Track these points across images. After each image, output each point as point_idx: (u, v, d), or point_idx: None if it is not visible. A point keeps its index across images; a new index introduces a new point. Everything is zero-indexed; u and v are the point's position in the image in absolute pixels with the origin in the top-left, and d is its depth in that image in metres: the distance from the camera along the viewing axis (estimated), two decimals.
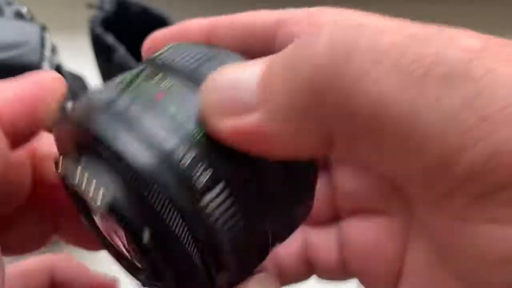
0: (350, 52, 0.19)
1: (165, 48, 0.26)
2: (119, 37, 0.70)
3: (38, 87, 0.27)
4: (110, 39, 0.69)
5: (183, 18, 0.33)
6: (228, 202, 0.22)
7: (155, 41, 0.30)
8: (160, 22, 0.73)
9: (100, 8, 0.72)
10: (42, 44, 0.63)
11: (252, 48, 0.28)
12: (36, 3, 0.76)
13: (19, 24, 0.65)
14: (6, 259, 0.24)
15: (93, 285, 0.38)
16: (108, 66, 0.70)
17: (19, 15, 0.67)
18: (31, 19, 0.70)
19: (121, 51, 0.67)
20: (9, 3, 0.67)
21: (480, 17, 0.96)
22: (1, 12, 0.66)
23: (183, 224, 0.21)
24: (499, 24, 0.96)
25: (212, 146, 0.22)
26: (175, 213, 0.20)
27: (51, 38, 0.66)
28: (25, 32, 0.62)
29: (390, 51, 0.19)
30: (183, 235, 0.21)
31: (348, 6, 0.27)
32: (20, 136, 0.26)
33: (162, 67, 0.24)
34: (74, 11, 0.80)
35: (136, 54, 0.64)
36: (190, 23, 0.30)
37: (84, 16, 0.73)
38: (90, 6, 0.73)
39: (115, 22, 0.72)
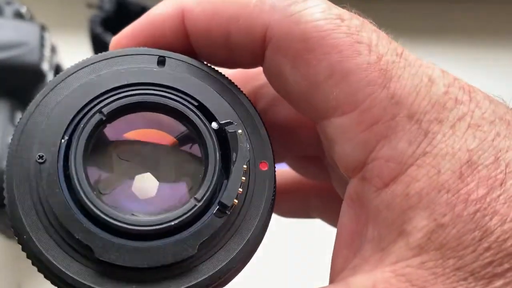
0: None
1: None
2: None
3: None
4: (110, 38, 0.69)
5: None
6: None
7: (122, 42, 0.30)
8: None
9: (100, 8, 0.72)
10: (42, 44, 0.63)
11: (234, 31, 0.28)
12: (36, 3, 0.76)
13: (19, 24, 0.65)
14: None
15: None
16: None
17: (18, 15, 0.67)
18: (31, 18, 0.70)
19: None
20: (8, 3, 0.67)
21: (480, 17, 0.95)
22: (1, 11, 0.66)
23: None
24: (498, 24, 0.96)
25: None
26: None
27: (51, 38, 0.66)
28: (25, 32, 0.62)
29: None
30: None
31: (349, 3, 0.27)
32: None
33: None
34: (74, 11, 0.80)
35: None
36: (154, 16, 0.29)
37: (84, 16, 0.73)
38: (90, 6, 0.73)
39: (115, 22, 0.72)
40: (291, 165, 0.39)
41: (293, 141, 0.35)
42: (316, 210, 0.40)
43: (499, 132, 0.24)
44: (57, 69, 0.69)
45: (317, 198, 0.39)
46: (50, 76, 0.64)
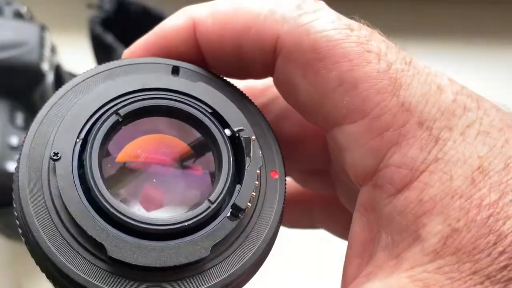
0: None
1: None
2: (119, 37, 0.70)
3: None
4: (109, 38, 0.69)
5: None
6: None
7: (136, 53, 0.30)
8: (160, 22, 0.72)
9: (100, 8, 0.72)
10: (42, 44, 0.63)
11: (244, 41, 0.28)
12: (36, 3, 0.76)
13: (19, 24, 0.65)
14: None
15: None
16: None
17: (18, 15, 0.67)
18: (31, 19, 0.70)
19: (120, 50, 0.67)
20: (8, 3, 0.67)
21: (480, 17, 0.95)
22: (1, 12, 0.66)
23: None
24: (499, 24, 0.96)
25: None
26: None
27: (50, 38, 0.66)
28: (25, 32, 0.62)
29: None
30: None
31: (351, 3, 0.27)
32: None
33: None
34: (74, 11, 0.80)
35: None
36: (166, 28, 0.30)
37: (84, 16, 0.73)
38: (90, 6, 0.73)
39: (114, 22, 0.72)
40: (295, 179, 0.39)
41: (299, 156, 0.35)
42: (320, 220, 0.40)
43: (507, 139, 0.24)
44: (57, 69, 0.69)
45: (321, 208, 0.39)
46: (50, 76, 0.64)
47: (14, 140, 0.59)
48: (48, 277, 0.25)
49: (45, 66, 0.63)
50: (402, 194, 0.24)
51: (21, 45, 0.61)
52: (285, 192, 0.27)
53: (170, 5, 0.31)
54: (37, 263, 0.25)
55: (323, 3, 0.27)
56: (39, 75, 0.62)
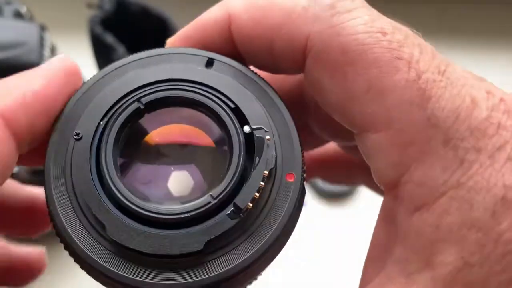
0: None
1: None
2: (119, 37, 0.69)
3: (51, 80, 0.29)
4: (109, 38, 0.69)
5: (182, 18, 0.33)
6: None
7: (176, 43, 0.31)
8: (160, 22, 0.72)
9: (100, 7, 0.72)
10: (41, 44, 0.63)
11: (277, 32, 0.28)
12: (36, 3, 0.76)
13: (18, 23, 0.65)
14: None
15: (16, 262, 0.39)
16: None
17: (18, 15, 0.67)
18: (31, 18, 0.70)
19: (120, 50, 0.67)
20: (8, 3, 0.67)
21: (480, 17, 0.95)
22: (0, 11, 0.66)
23: None
24: (499, 24, 0.96)
25: None
26: None
27: (50, 38, 0.66)
28: (24, 32, 0.62)
29: None
30: None
31: None
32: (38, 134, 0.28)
33: None
34: (74, 11, 0.80)
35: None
36: (203, 20, 0.30)
37: (84, 16, 0.73)
38: (89, 5, 0.73)
39: (114, 22, 0.72)
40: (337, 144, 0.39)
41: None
42: (359, 177, 0.40)
43: None
44: None
45: (360, 167, 0.38)
46: None
47: None
48: (64, 247, 0.27)
49: None
50: (420, 213, 0.23)
51: (21, 45, 0.61)
52: (300, 196, 0.27)
53: (170, 5, 0.30)
54: (57, 234, 0.27)
55: (360, 2, 0.26)
56: None
